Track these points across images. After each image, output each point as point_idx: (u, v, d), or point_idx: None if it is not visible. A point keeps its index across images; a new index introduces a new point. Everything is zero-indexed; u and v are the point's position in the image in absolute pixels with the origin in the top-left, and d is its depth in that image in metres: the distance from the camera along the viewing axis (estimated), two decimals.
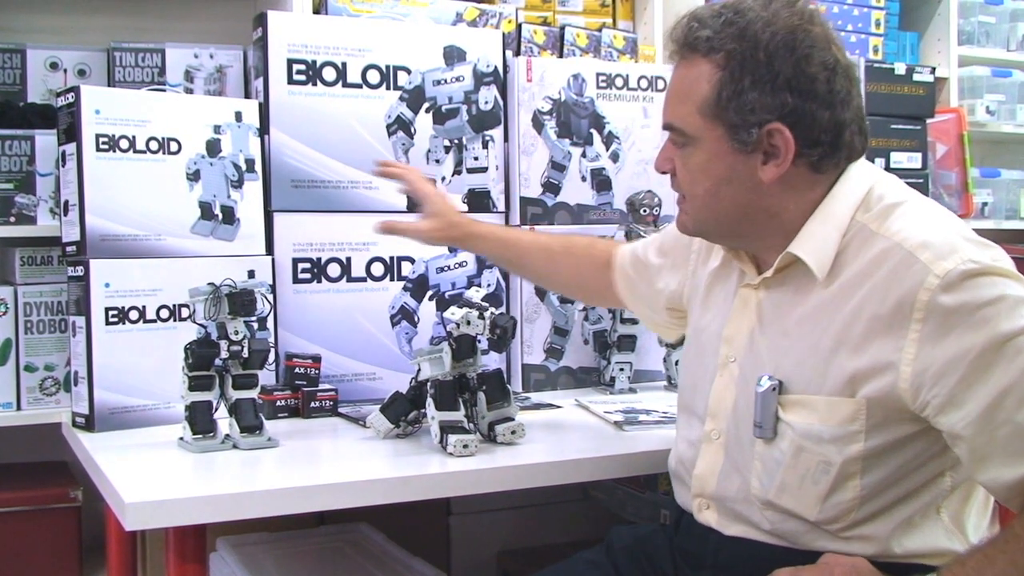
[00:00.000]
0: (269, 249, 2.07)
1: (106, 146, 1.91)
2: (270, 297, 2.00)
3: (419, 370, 1.76)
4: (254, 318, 1.77)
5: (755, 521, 1.44)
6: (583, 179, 2.33)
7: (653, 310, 1.81)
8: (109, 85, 2.36)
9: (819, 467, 1.35)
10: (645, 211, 2.24)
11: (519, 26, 2.55)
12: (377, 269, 2.15)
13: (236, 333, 1.70)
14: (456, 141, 2.24)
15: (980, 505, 1.41)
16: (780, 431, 1.38)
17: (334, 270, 2.12)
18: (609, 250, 1.89)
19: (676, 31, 1.43)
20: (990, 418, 1.24)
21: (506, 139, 2.29)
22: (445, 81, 2.23)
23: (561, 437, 1.88)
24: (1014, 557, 1.21)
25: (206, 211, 2.01)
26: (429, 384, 1.72)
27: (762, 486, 1.41)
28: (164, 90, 2.36)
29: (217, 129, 2.03)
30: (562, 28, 2.61)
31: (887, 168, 2.78)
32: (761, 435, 1.40)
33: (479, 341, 1.75)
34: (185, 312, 1.90)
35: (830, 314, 1.36)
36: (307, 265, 2.10)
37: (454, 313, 1.73)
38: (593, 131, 2.34)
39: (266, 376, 1.88)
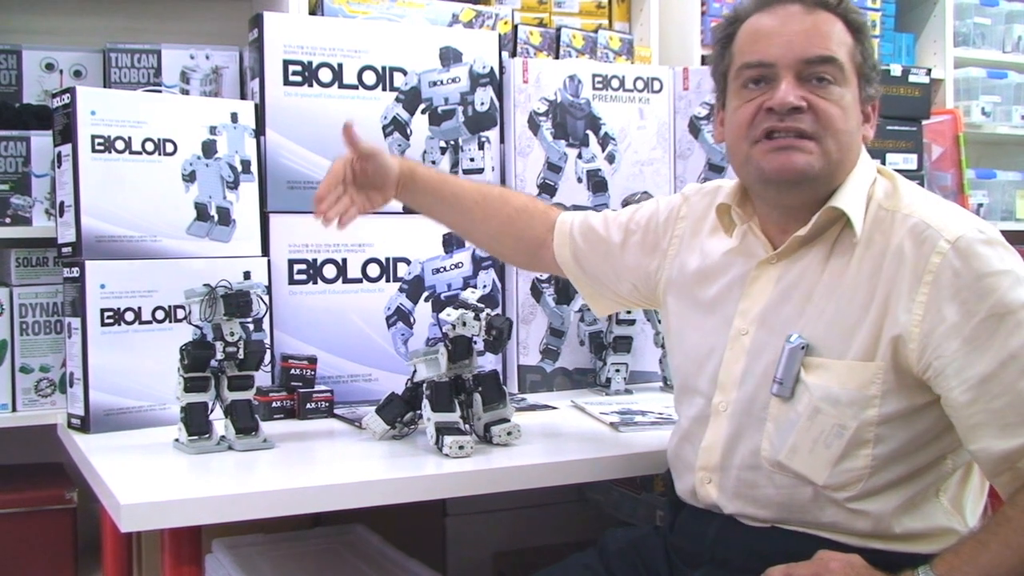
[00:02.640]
0: (265, 250, 2.07)
1: (102, 147, 1.91)
2: (266, 298, 2.00)
3: (415, 371, 1.76)
4: (250, 319, 1.77)
5: (758, 490, 1.46)
6: (579, 180, 2.33)
7: (605, 284, 1.81)
8: (105, 86, 2.36)
9: (833, 430, 1.39)
10: None
11: (515, 27, 2.55)
12: (373, 270, 2.16)
13: (232, 334, 1.70)
14: (452, 142, 2.24)
15: (976, 490, 1.45)
16: (797, 392, 1.42)
17: (330, 271, 2.12)
18: (548, 212, 1.87)
19: None
20: (987, 387, 1.29)
21: (502, 140, 2.29)
22: (441, 82, 2.23)
23: (557, 438, 1.88)
24: (1007, 539, 1.25)
25: (202, 212, 2.01)
26: (425, 385, 1.72)
27: (773, 447, 1.44)
28: (160, 91, 2.36)
29: (213, 130, 2.03)
30: (558, 29, 2.62)
31: None
32: (779, 392, 1.43)
33: (475, 342, 1.75)
34: (181, 313, 1.90)
35: (857, 284, 1.41)
36: (303, 266, 2.10)
37: (450, 314, 1.73)
38: (589, 132, 2.34)
39: (262, 377, 1.88)
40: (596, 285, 1.83)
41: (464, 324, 1.72)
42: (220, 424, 1.72)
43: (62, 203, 1.93)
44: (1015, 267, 1.32)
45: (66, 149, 1.90)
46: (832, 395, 1.39)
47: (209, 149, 2.02)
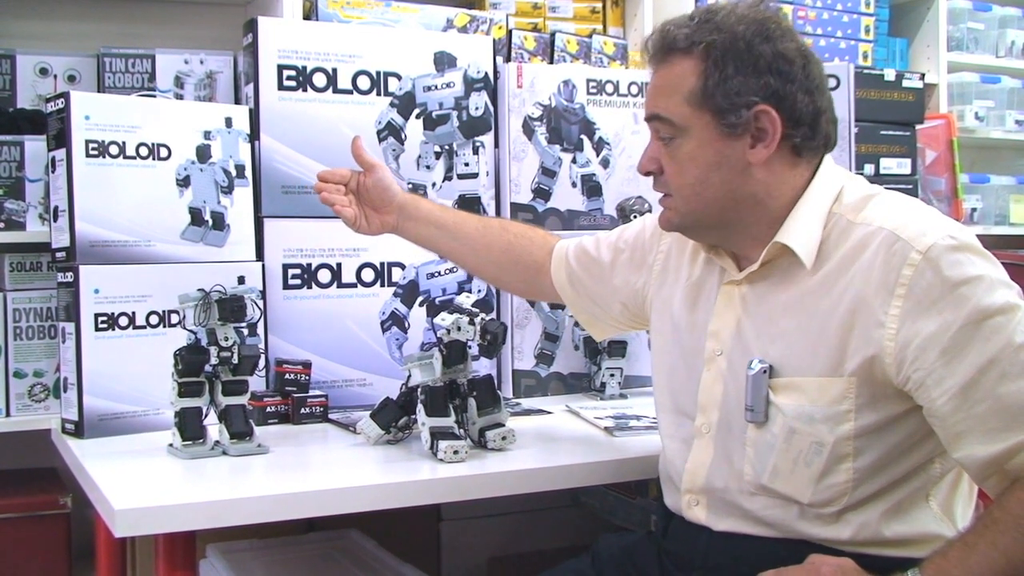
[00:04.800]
0: (259, 255, 2.07)
1: (96, 152, 1.90)
2: (260, 303, 2.00)
3: (409, 376, 1.76)
4: (244, 324, 1.77)
5: (746, 510, 1.46)
6: (573, 185, 2.33)
7: (599, 306, 1.81)
8: (99, 91, 2.36)
9: (811, 448, 1.39)
10: (635, 217, 2.24)
11: (509, 32, 2.55)
12: (367, 275, 2.15)
13: (226, 339, 1.70)
14: (447, 147, 2.24)
15: (966, 494, 1.45)
16: (771, 415, 1.42)
17: (324, 276, 2.12)
18: (547, 238, 1.90)
19: (652, 39, 1.49)
20: (967, 394, 1.28)
21: (496, 145, 2.29)
22: (436, 87, 2.23)
23: (551, 443, 1.88)
24: (994, 540, 1.24)
25: (196, 217, 2.00)
26: (419, 390, 1.72)
27: (755, 471, 1.44)
28: (154, 96, 2.36)
29: (207, 135, 2.03)
30: (552, 34, 2.62)
31: (877, 174, 2.79)
32: (752, 419, 1.43)
33: (469, 347, 1.75)
34: (175, 318, 1.90)
35: (816, 298, 1.40)
36: (297, 271, 2.10)
37: (444, 319, 1.73)
38: (583, 137, 2.34)
39: (256, 382, 1.88)
40: (591, 308, 1.83)
41: (459, 329, 1.72)
42: (214, 429, 1.72)
43: (56, 208, 1.93)
44: (988, 271, 1.31)
45: (60, 154, 1.90)
46: (805, 413, 1.39)
47: (203, 154, 2.02)
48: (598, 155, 2.36)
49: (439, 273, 2.21)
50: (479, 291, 2.24)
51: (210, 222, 2.02)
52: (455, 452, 1.64)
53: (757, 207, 1.45)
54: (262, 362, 1.88)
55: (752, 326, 1.47)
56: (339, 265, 2.13)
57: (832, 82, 2.41)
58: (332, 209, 1.83)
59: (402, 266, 2.19)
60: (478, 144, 2.27)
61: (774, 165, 1.44)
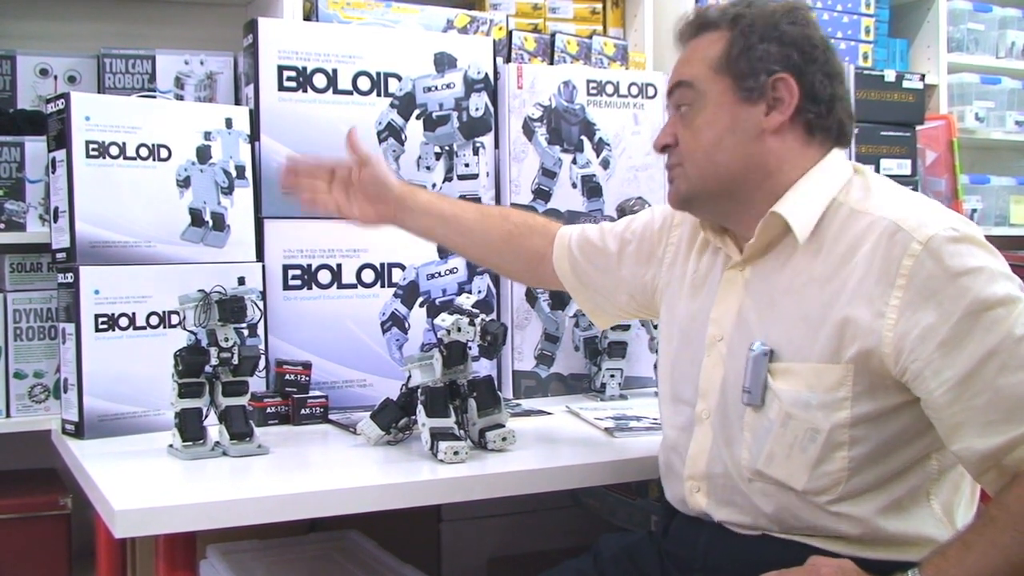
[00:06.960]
0: (259, 256, 2.07)
1: (96, 153, 1.90)
2: (260, 304, 2.00)
3: (409, 377, 1.76)
4: (244, 325, 1.77)
5: (745, 496, 1.46)
6: (573, 186, 2.33)
7: (603, 295, 1.81)
8: (99, 92, 2.36)
9: (807, 435, 1.39)
10: None
11: (510, 33, 2.55)
12: (367, 276, 2.15)
13: (226, 340, 1.70)
14: (447, 148, 2.24)
15: (968, 497, 1.44)
16: (768, 399, 1.42)
17: (324, 277, 2.12)
18: (548, 226, 1.89)
19: (686, 19, 1.54)
20: (966, 386, 1.28)
21: (497, 146, 2.29)
22: (436, 88, 2.23)
23: (552, 444, 1.88)
24: (993, 538, 1.24)
25: (196, 218, 2.00)
26: (420, 391, 1.72)
27: (751, 456, 1.44)
28: (154, 96, 2.36)
29: (207, 136, 2.03)
30: (552, 35, 2.62)
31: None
32: (750, 401, 1.43)
33: (469, 348, 1.75)
34: (175, 319, 1.90)
35: (817, 285, 1.41)
36: (297, 272, 2.10)
37: (444, 320, 1.73)
38: (583, 138, 2.34)
39: (256, 383, 1.88)
40: (596, 298, 1.83)
41: (459, 329, 1.72)
42: (214, 430, 1.72)
43: (56, 208, 1.93)
44: (989, 263, 1.32)
45: (60, 155, 1.90)
46: (802, 399, 1.39)
47: (203, 155, 2.02)
48: (598, 156, 2.36)
49: (439, 274, 2.21)
50: (479, 292, 2.24)
51: (210, 223, 2.02)
52: (455, 453, 1.64)
53: (765, 180, 1.46)
54: (262, 363, 1.88)
55: (754, 308, 1.47)
56: (339, 266, 2.13)
57: None
58: (301, 199, 1.85)
59: (402, 267, 2.19)
60: (478, 145, 2.27)
61: (787, 137, 1.46)
